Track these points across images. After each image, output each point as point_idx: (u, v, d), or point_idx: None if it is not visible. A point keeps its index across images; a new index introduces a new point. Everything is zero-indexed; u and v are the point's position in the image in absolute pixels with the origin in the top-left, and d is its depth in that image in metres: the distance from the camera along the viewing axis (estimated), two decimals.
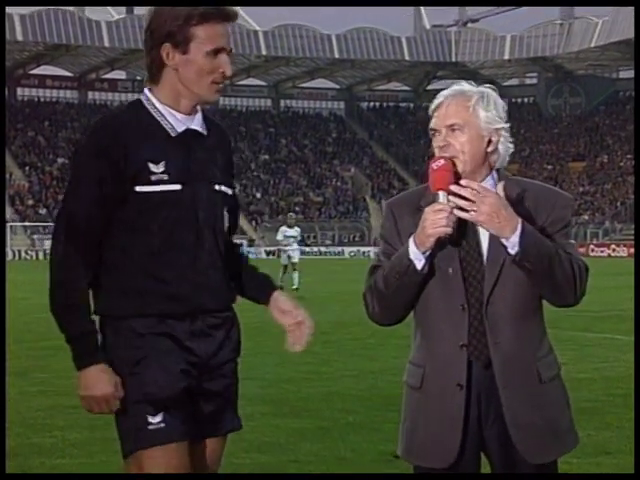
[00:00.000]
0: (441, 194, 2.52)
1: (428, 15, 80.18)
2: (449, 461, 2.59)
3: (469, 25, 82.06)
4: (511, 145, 2.66)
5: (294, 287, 20.60)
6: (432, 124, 2.64)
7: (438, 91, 2.74)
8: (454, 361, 2.58)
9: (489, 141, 2.60)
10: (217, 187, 2.77)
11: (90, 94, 76.30)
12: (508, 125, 2.65)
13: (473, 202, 2.47)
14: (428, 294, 2.61)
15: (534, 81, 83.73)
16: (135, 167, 2.63)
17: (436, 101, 2.64)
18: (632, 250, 49.19)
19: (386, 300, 2.62)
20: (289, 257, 21.73)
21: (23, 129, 68.68)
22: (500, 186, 2.54)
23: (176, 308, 2.67)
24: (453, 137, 2.58)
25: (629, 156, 67.20)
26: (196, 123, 2.75)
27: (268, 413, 6.58)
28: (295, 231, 22.28)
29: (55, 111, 72.55)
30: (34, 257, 54.34)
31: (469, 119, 2.58)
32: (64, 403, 7.04)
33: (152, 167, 2.64)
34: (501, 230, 2.48)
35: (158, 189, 2.64)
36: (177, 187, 2.66)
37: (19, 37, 65.39)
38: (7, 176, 63.01)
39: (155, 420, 2.61)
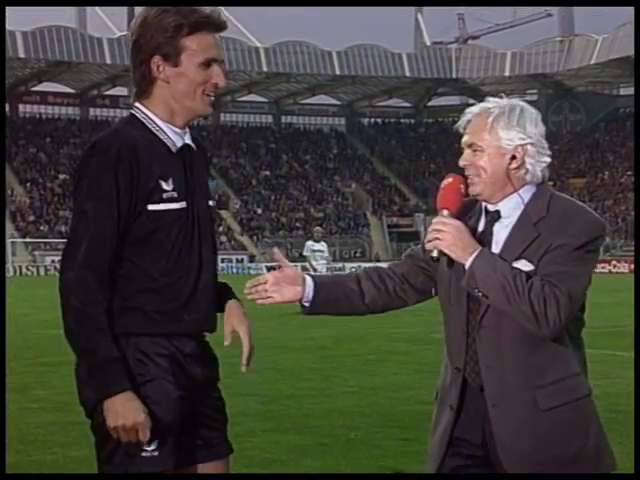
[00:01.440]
0: (445, 212, 2.57)
1: (429, 32, 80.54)
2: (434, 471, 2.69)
3: (470, 42, 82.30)
4: (545, 158, 2.57)
5: None
6: (462, 141, 2.64)
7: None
8: (452, 383, 2.64)
9: (513, 157, 2.55)
10: (210, 202, 2.76)
11: (92, 110, 76.45)
12: (537, 137, 2.56)
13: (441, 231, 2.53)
14: (445, 314, 2.68)
15: (534, 98, 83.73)
16: (148, 185, 2.56)
17: (463, 118, 2.62)
18: (633, 266, 49.15)
19: None
20: (315, 272, 21.32)
21: (25, 145, 68.78)
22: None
23: (179, 328, 2.62)
24: (474, 157, 2.58)
25: (629, 173, 67.21)
26: (188, 138, 2.70)
27: (269, 429, 6.56)
28: (322, 245, 21.54)
29: (57, 127, 72.67)
30: (35, 273, 54.32)
31: (487, 138, 2.55)
32: (64, 419, 7.02)
33: (163, 185, 2.58)
34: (459, 257, 2.51)
35: (170, 207, 2.58)
36: (183, 205, 2.61)
37: (21, 54, 65.57)
38: (8, 192, 63.06)
39: (149, 448, 2.54)
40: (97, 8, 72.33)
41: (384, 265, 2.88)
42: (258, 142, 76.48)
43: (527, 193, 2.57)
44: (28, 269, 55.09)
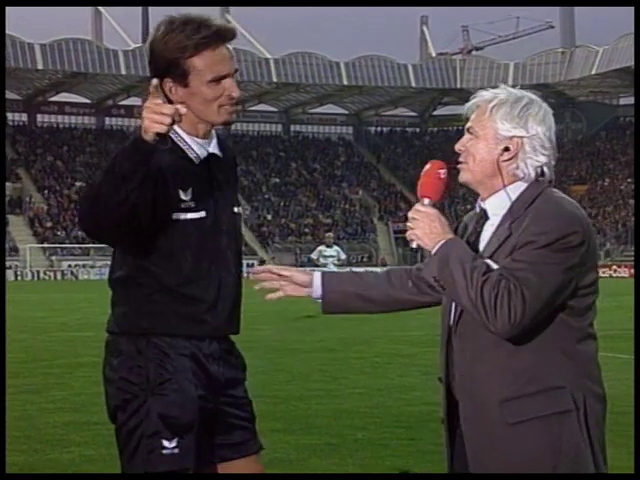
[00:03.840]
0: (426, 201, 2.37)
1: (434, 43, 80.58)
2: None
3: (474, 53, 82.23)
4: (541, 158, 2.35)
5: None
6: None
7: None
8: (442, 394, 2.48)
9: (506, 148, 2.34)
10: (235, 209, 2.75)
11: (107, 120, 76.60)
12: (539, 135, 2.34)
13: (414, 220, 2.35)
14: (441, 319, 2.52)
15: None
16: (169, 195, 2.56)
17: (471, 101, 2.44)
18: (633, 271, 49.02)
19: None
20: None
21: (42, 154, 68.99)
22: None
23: (202, 331, 2.63)
24: (468, 142, 2.39)
25: (630, 180, 67.03)
26: (213, 147, 2.70)
27: (279, 430, 6.55)
28: (334, 250, 21.26)
29: (73, 137, 72.85)
30: (52, 278, 54.44)
31: (484, 124, 2.36)
32: (81, 420, 7.03)
33: (182, 195, 2.59)
34: (428, 246, 2.32)
35: (188, 217, 2.59)
36: (202, 214, 2.62)
37: (39, 66, 65.79)
38: (27, 199, 63.26)
39: (170, 445, 2.55)
40: (113, 21, 72.58)
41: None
42: (268, 150, 76.54)
43: (516, 190, 2.36)
44: (45, 274, 55.21)
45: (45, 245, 58.10)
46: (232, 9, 77.02)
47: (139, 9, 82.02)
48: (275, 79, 71.51)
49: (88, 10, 77.04)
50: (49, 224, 61.26)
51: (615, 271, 53.82)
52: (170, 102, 2.54)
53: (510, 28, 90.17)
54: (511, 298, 2.19)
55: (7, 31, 65.28)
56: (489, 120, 2.35)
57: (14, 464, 5.55)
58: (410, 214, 2.34)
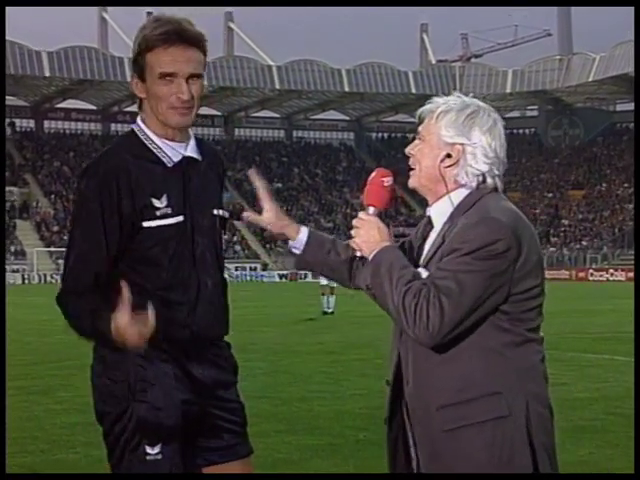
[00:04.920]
0: (371, 209, 2.38)
1: (434, 51, 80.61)
2: None
3: (473, 60, 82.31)
4: (482, 166, 2.31)
5: (330, 311, 20.06)
6: None
7: None
8: (387, 395, 2.42)
9: (448, 155, 2.32)
10: (215, 212, 2.69)
11: (113, 126, 76.68)
12: (482, 144, 2.31)
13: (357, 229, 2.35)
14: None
15: (535, 113, 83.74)
16: (139, 203, 2.52)
17: (423, 107, 2.43)
18: (630, 274, 49.01)
19: None
20: (329, 280, 21.16)
21: (49, 159, 69.08)
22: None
23: (184, 335, 2.58)
24: (417, 147, 2.39)
25: (626, 185, 67.03)
26: (190, 150, 2.64)
27: (281, 430, 6.54)
28: None
29: (80, 142, 72.95)
30: (58, 281, 54.44)
31: (430, 129, 2.35)
32: (87, 420, 7.01)
33: (155, 202, 2.55)
34: (366, 254, 2.31)
35: (164, 223, 2.55)
36: (180, 219, 2.58)
37: (46, 73, 65.88)
38: (34, 204, 63.32)
39: (153, 451, 2.51)
40: (118, 29, 72.67)
41: None
42: (271, 156, 76.61)
43: (458, 197, 2.32)
44: (52, 277, 55.23)
45: (52, 249, 58.12)
46: (236, 18, 77.15)
47: (144, 16, 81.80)
48: (278, 86, 71.56)
49: (94, 18, 77.20)
50: (56, 228, 61.30)
51: (612, 275, 53.77)
52: (136, 97, 2.60)
53: (509, 36, 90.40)
54: (429, 307, 2.16)
55: (15, 39, 65.60)
56: (434, 126, 2.34)
57: (21, 465, 5.55)
58: (353, 222, 2.34)
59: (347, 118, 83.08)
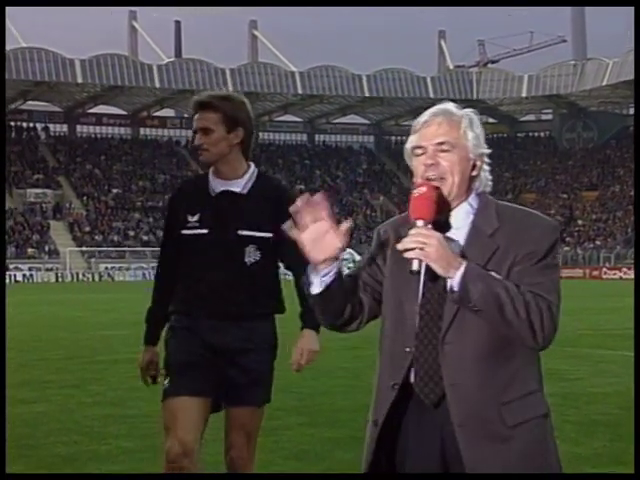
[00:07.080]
0: (420, 222, 2.23)
1: (451, 57, 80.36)
2: None
3: (489, 66, 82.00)
4: (487, 174, 2.36)
5: None
6: (417, 141, 2.31)
7: None
8: (383, 400, 2.35)
9: (474, 165, 2.32)
10: (240, 232, 3.39)
11: (142, 130, 77.05)
12: (486, 152, 2.36)
13: (424, 243, 2.19)
14: (387, 330, 2.42)
15: (549, 117, 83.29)
16: (180, 216, 3.47)
17: (422, 118, 2.33)
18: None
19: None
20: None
21: (82, 162, 69.49)
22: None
23: (199, 312, 3.43)
24: (441, 156, 2.28)
25: None
26: (236, 186, 3.44)
27: (304, 423, 6.54)
28: (348, 254, 21.40)
29: (110, 146, 73.33)
30: (90, 279, 54.76)
31: (460, 140, 2.29)
32: (118, 413, 7.06)
33: (189, 217, 3.45)
34: (446, 270, 2.19)
35: (192, 232, 3.43)
36: (205, 231, 3.42)
37: (79, 79, 66.29)
38: (67, 205, 63.72)
39: (165, 382, 3.43)
40: (147, 37, 73.02)
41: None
42: (293, 159, 76.67)
43: (474, 201, 2.32)
44: (84, 275, 55.58)
45: (84, 248, 58.48)
46: (260, 26, 77.28)
47: (172, 25, 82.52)
48: (300, 91, 71.61)
49: (124, 27, 77.54)
50: (87, 229, 61.66)
51: (625, 273, 53.41)
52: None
53: (524, 42, 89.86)
54: (551, 313, 2.21)
55: (49, 48, 66.12)
56: (463, 138, 2.30)
57: (57, 455, 5.58)
58: (417, 237, 2.19)
59: (367, 122, 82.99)
